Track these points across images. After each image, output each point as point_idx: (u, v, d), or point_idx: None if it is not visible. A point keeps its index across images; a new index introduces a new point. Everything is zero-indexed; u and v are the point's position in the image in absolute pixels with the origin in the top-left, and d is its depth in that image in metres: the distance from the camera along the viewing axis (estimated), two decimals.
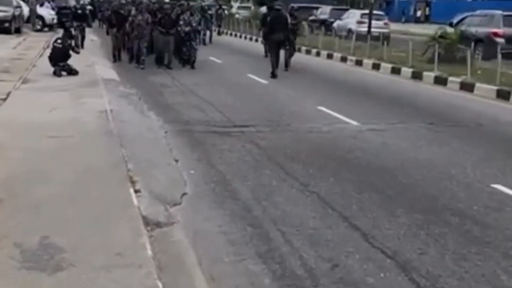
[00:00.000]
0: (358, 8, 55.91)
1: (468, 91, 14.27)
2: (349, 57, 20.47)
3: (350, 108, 11.76)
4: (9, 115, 9.32)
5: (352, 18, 30.05)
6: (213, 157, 7.93)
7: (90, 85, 12.86)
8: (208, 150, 8.30)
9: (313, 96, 13.24)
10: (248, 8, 50.10)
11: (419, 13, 66.07)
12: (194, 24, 17.70)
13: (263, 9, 37.43)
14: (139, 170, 6.72)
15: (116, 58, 18.69)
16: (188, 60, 17.82)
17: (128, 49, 18.85)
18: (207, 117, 10.57)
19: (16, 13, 26.66)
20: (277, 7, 16.95)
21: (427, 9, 65.49)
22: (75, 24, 20.75)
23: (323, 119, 10.61)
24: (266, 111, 11.30)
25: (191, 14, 17.90)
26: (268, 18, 17.19)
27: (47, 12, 30.79)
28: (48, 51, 15.82)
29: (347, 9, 36.93)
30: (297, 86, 14.60)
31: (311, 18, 37.97)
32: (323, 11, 38.01)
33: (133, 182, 6.13)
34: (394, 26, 40.42)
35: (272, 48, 16.86)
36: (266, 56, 19.33)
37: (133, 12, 18.28)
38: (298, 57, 17.06)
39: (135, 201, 5.62)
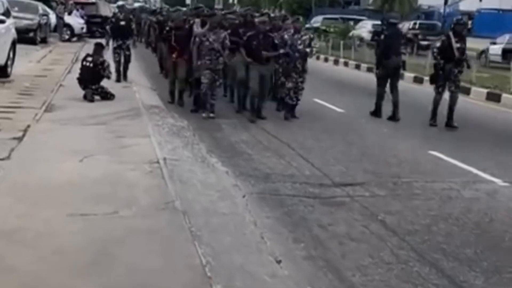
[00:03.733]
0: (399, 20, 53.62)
1: None
2: (425, 78, 17.50)
3: (473, 153, 8.91)
4: (23, 168, 6.59)
5: (364, 28, 31.88)
6: (332, 253, 5.12)
7: (130, 116, 10.12)
8: (318, 237, 5.48)
9: (412, 133, 10.37)
10: None
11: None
12: (300, 47, 10.99)
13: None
14: None
15: (175, 97, 12.28)
16: (282, 102, 11.56)
17: (192, 86, 12.13)
18: (291, 168, 7.78)
19: (43, 21, 24.13)
20: (392, 20, 12.54)
21: (470, 22, 62.21)
22: (115, 42, 14.51)
23: (450, 173, 7.79)
24: (365, 158, 8.49)
25: (296, 31, 11.19)
26: (382, 36, 12.15)
27: (75, 21, 28.29)
28: (77, 66, 13.21)
29: (336, 19, 39.32)
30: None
31: (307, 26, 40.11)
32: (316, 20, 40.42)
33: None
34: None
35: (383, 77, 11.64)
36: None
37: (198, 28, 11.49)
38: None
39: None
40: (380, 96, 11.69)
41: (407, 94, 13.19)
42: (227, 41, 10.79)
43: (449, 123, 10.86)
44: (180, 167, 7.14)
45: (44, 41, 24.57)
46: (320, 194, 6.74)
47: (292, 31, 11.11)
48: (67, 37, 27.14)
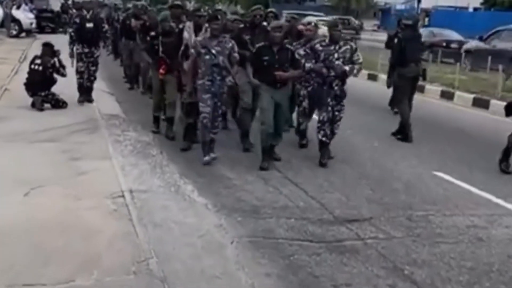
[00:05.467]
0: (356, 16, 53.52)
1: None
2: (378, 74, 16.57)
3: (482, 174, 7.83)
4: None
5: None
6: None
7: (87, 130, 8.78)
8: None
9: (406, 149, 9.20)
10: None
11: (419, 24, 62.23)
12: (338, 62, 7.71)
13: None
14: None
15: (160, 124, 9.23)
16: (322, 144, 8.04)
17: (186, 113, 8.41)
18: (281, 197, 6.54)
19: None
20: (406, 22, 10.10)
21: (426, 19, 62.10)
22: (79, 47, 10.78)
23: (466, 202, 6.67)
24: (363, 182, 7.29)
25: (333, 41, 7.75)
26: (396, 40, 9.93)
27: (24, 16, 26.50)
28: (25, 66, 11.70)
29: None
30: (365, 126, 10.54)
31: None
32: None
33: None
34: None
35: (404, 90, 9.71)
36: (392, 108, 11.77)
37: (191, 35, 8.23)
38: None
39: None
40: (404, 112, 9.57)
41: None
42: (236, 54, 7.68)
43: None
44: (151, 202, 5.84)
45: None
46: (324, 236, 5.52)
47: (326, 40, 7.83)
48: (15, 32, 25.45)
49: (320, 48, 7.74)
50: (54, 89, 10.45)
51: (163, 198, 6.07)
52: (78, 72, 10.84)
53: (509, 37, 18.91)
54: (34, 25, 26.96)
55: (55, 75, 10.46)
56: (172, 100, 8.87)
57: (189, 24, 8.51)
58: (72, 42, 10.78)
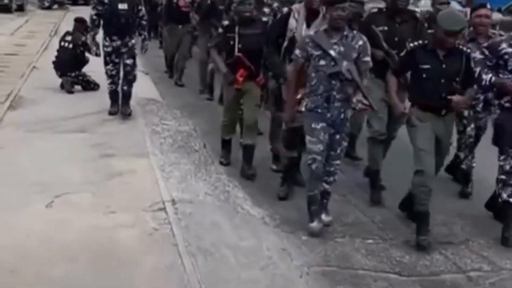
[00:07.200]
0: None
1: None
2: None
3: None
4: None
5: None
6: None
7: (120, 117, 7.72)
8: None
9: (483, 149, 7.98)
10: None
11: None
12: None
13: None
14: None
15: (229, 157, 6.49)
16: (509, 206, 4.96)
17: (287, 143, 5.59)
18: (350, 208, 5.46)
19: None
20: None
21: None
22: (109, 42, 7.68)
23: None
24: (450, 191, 6.09)
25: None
26: None
27: None
28: (56, 41, 10.71)
29: None
30: None
31: None
32: None
33: None
34: None
35: None
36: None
37: (301, 25, 5.24)
38: None
39: None
40: None
41: None
42: (368, 58, 4.78)
43: None
44: (198, 217, 4.77)
45: (20, 9, 22.08)
46: (415, 266, 4.41)
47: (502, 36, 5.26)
48: (47, 4, 24.58)
49: (510, 50, 4.87)
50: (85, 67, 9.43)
51: (212, 211, 5.00)
52: (108, 76, 7.88)
53: None
54: None
55: (87, 54, 9.41)
56: (252, 120, 6.16)
57: (298, 8, 5.47)
58: (93, 28, 7.89)
